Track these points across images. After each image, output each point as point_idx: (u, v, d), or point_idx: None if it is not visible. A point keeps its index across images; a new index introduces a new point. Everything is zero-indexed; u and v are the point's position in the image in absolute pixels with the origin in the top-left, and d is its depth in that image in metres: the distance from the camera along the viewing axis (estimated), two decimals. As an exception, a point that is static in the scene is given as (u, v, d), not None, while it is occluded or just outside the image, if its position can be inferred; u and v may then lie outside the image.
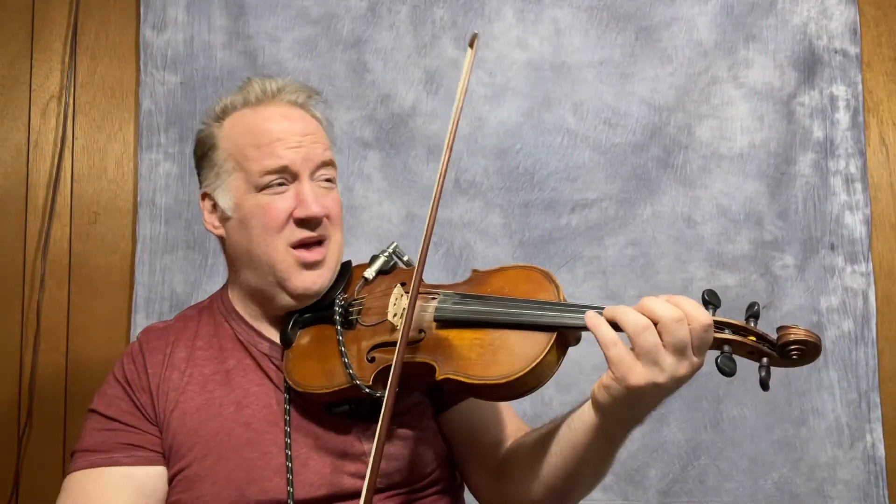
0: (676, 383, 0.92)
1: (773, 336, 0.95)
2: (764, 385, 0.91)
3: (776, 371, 0.94)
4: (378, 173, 1.84)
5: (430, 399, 1.22)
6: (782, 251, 1.84)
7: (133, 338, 1.75)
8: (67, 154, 1.82)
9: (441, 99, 1.86)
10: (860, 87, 1.88)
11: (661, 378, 0.90)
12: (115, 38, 1.86)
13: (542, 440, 1.09)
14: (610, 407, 0.95)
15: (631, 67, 1.87)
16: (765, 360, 0.94)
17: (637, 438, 1.79)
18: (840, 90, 1.88)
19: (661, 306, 0.92)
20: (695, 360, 0.92)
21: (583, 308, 0.97)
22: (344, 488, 1.10)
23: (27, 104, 1.82)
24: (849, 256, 1.84)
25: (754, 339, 0.94)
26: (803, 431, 1.80)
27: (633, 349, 0.91)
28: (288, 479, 1.08)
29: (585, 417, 1.00)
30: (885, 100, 1.90)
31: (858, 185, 1.86)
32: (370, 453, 1.09)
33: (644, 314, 0.92)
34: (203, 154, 1.23)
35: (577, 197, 1.85)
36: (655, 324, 0.91)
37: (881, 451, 1.79)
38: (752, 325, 0.96)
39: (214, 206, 1.20)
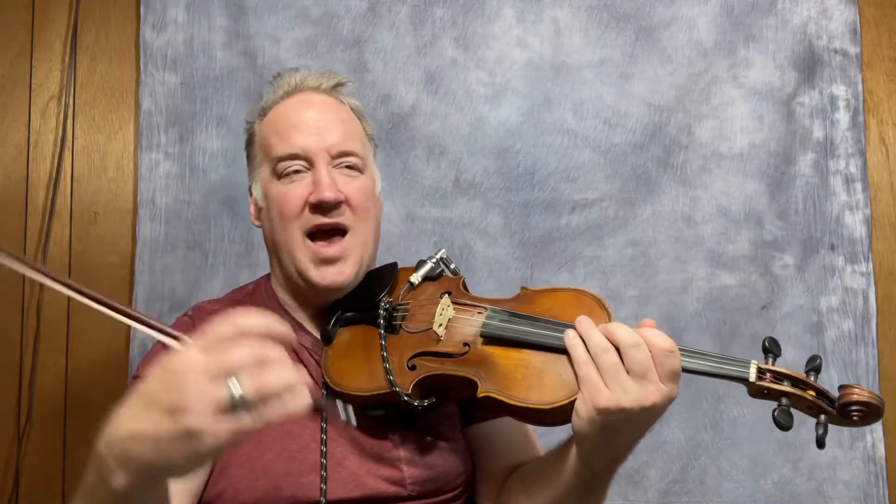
0: (647, 412, 0.92)
1: (835, 394, 0.93)
2: (820, 444, 0.90)
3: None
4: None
5: (461, 411, 1.21)
6: (782, 251, 1.84)
7: (133, 338, 1.76)
8: (67, 154, 1.82)
9: (441, 99, 1.86)
10: (860, 87, 1.88)
11: (626, 402, 0.90)
12: (115, 38, 1.86)
13: (538, 465, 1.10)
14: (584, 431, 0.94)
15: (631, 67, 1.87)
16: (823, 416, 0.93)
17: (637, 438, 1.79)
18: (840, 90, 1.88)
19: (622, 331, 0.93)
20: (663, 387, 0.92)
21: None
22: (378, 492, 1.09)
23: (27, 104, 1.82)
24: (849, 256, 1.84)
25: (814, 394, 0.93)
26: (803, 431, 1.79)
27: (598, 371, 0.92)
28: (322, 476, 1.07)
29: (568, 444, 1.01)
30: (885, 100, 1.90)
31: (858, 185, 1.86)
32: (404, 459, 1.10)
33: (607, 337, 0.93)
34: (246, 150, 1.27)
35: (577, 197, 1.85)
36: (619, 348, 0.91)
37: (881, 451, 1.79)
38: (813, 379, 0.94)
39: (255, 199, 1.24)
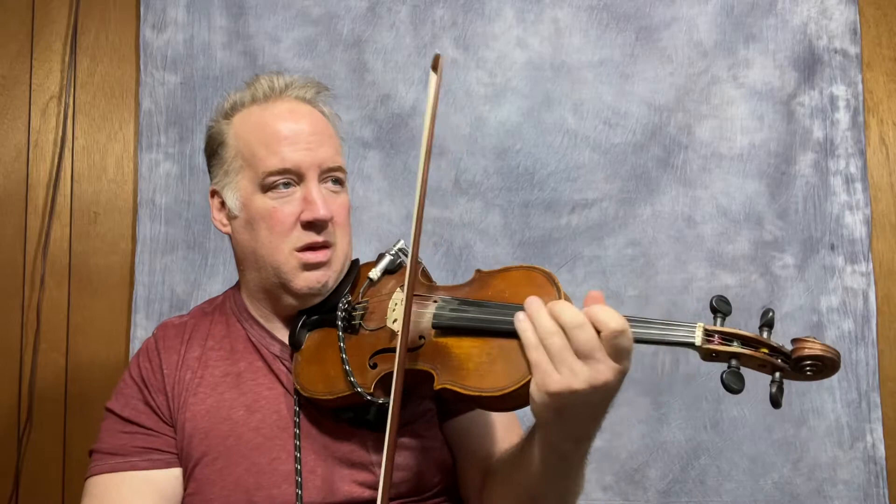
0: (599, 391, 0.87)
1: (788, 348, 0.89)
2: (775, 402, 0.86)
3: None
4: (378, 173, 1.84)
5: (437, 406, 1.20)
6: (782, 251, 1.84)
7: (133, 338, 1.76)
8: (67, 154, 1.82)
9: (441, 99, 1.85)
10: (860, 87, 1.88)
11: (577, 384, 0.86)
12: (115, 38, 1.86)
13: (511, 454, 1.08)
14: (541, 415, 0.92)
15: (631, 67, 1.87)
16: (777, 374, 0.88)
17: (637, 438, 1.79)
18: (840, 90, 1.88)
19: (565, 312, 0.89)
20: (614, 365, 0.87)
21: None
22: (351, 497, 1.09)
23: (27, 104, 1.83)
24: (849, 256, 1.84)
25: (767, 351, 0.89)
26: (803, 431, 1.80)
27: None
28: (297, 481, 1.07)
29: (534, 429, 0.99)
30: (885, 100, 1.90)
31: (858, 185, 1.86)
32: (378, 463, 1.09)
33: (553, 318, 0.89)
34: (213, 151, 1.22)
35: (577, 197, 1.85)
36: (564, 329, 0.88)
37: (881, 451, 1.79)
38: (766, 335, 0.90)
39: (223, 204, 1.19)
